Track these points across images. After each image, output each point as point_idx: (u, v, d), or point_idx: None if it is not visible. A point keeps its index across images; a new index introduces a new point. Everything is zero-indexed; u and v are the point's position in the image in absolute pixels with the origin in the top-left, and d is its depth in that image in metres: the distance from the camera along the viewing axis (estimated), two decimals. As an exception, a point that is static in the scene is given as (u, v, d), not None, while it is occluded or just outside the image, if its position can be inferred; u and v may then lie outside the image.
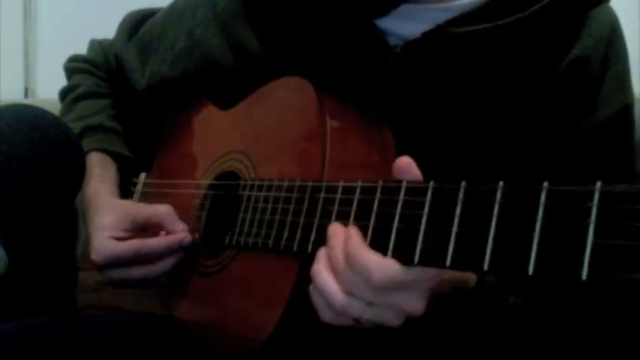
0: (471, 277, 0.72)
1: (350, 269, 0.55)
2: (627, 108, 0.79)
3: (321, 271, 0.58)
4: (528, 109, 0.76)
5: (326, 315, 0.59)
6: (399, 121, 0.76)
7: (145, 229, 0.84)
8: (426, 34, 0.75)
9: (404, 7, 0.75)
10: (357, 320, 0.58)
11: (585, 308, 0.75)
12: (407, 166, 0.57)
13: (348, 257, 0.56)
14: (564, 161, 0.76)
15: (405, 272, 0.54)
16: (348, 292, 0.56)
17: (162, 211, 0.83)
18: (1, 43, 1.69)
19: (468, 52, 0.75)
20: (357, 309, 0.57)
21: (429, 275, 0.55)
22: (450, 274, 0.63)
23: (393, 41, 0.77)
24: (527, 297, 0.76)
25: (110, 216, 0.83)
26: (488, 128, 0.76)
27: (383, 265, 0.54)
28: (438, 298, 0.61)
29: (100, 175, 0.91)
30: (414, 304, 0.56)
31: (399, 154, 0.73)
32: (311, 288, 0.60)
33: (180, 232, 0.80)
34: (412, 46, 0.76)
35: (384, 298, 0.55)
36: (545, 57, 0.76)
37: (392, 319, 0.57)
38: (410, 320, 0.58)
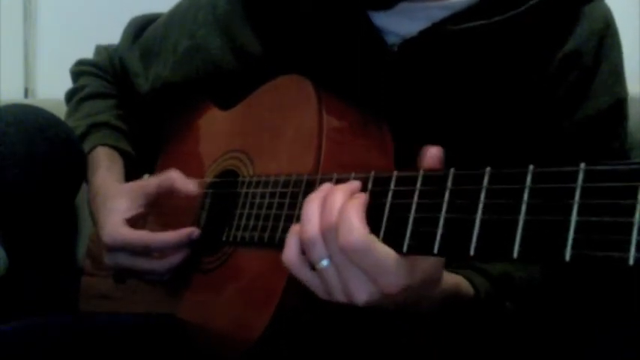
0: (465, 286, 0.72)
1: (337, 218, 0.55)
2: (620, 102, 0.80)
3: (314, 202, 0.58)
4: (525, 105, 0.77)
5: (289, 252, 0.59)
6: (398, 120, 0.77)
7: (159, 198, 0.84)
8: (423, 32, 0.75)
9: (402, 6, 0.75)
10: (311, 265, 0.58)
11: (583, 305, 0.75)
12: (436, 158, 0.58)
13: (342, 210, 0.56)
14: (558, 154, 0.76)
15: (380, 254, 0.54)
16: (322, 234, 0.56)
17: (172, 174, 0.83)
18: (1, 43, 1.69)
19: (465, 50, 0.76)
20: (319, 253, 0.57)
21: (400, 273, 0.55)
22: (441, 291, 0.63)
23: (390, 40, 0.78)
24: (522, 303, 0.77)
25: (123, 199, 0.83)
26: (486, 125, 0.77)
27: (363, 235, 0.54)
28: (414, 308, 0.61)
29: (107, 167, 0.92)
30: (361, 290, 0.56)
31: (399, 153, 0.74)
32: (292, 228, 0.60)
33: (189, 227, 0.80)
34: (410, 44, 0.76)
35: (343, 261, 0.55)
36: (540, 52, 0.77)
37: (337, 290, 0.57)
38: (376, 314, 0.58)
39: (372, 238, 0.54)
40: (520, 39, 0.76)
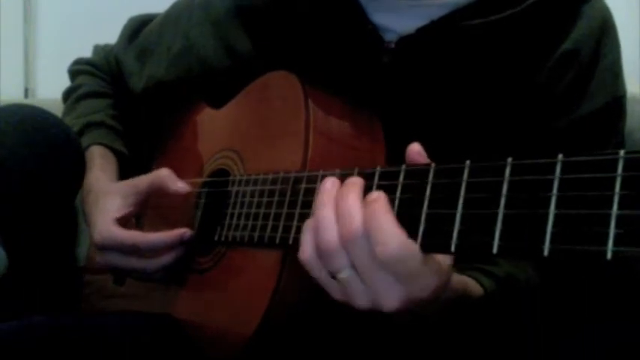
0: (472, 286, 0.71)
1: (365, 229, 0.52)
2: (617, 100, 0.80)
3: (327, 207, 0.55)
4: (522, 103, 0.78)
5: (306, 252, 0.56)
6: (393, 117, 0.77)
7: (151, 197, 0.85)
8: (421, 30, 0.76)
9: (399, 3, 0.76)
10: (332, 274, 0.55)
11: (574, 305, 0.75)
12: (416, 155, 0.56)
13: (370, 219, 0.52)
14: (554, 153, 0.76)
15: (419, 260, 0.51)
16: (343, 244, 0.53)
17: (162, 173, 0.84)
18: (1, 43, 1.70)
19: (463, 48, 0.77)
20: (340, 263, 0.54)
21: (435, 277, 0.53)
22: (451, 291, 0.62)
23: (388, 37, 0.78)
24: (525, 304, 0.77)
25: (114, 198, 0.85)
26: (483, 123, 0.78)
27: (403, 242, 0.51)
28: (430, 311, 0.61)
29: (101, 165, 0.93)
30: (392, 297, 0.53)
31: (393, 150, 0.74)
32: (306, 223, 0.57)
33: (181, 229, 0.81)
34: (406, 41, 0.77)
35: (372, 269, 0.52)
36: (538, 51, 0.78)
37: (362, 296, 0.54)
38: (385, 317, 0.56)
39: (411, 242, 0.51)
40: (518, 37, 0.77)
